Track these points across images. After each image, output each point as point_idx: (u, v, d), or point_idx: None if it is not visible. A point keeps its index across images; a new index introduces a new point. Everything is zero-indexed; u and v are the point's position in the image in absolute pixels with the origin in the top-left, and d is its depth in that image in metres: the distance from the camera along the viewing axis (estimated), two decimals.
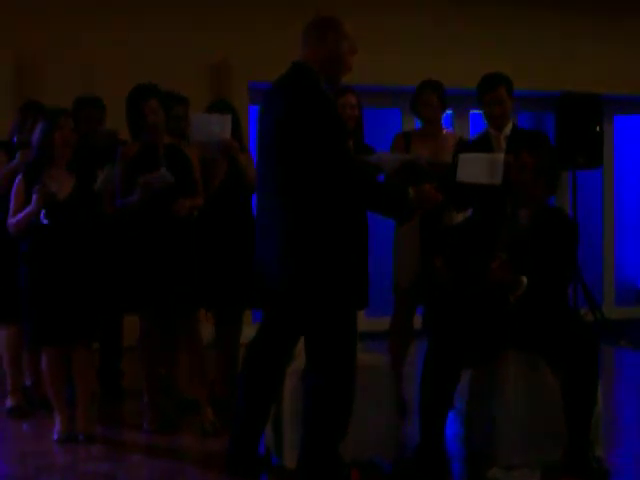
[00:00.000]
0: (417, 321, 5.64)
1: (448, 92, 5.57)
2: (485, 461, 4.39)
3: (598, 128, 8.22)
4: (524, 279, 4.28)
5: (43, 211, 4.75)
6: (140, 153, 5.04)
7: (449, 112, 8.63)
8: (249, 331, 4.56)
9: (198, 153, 5.21)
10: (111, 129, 5.79)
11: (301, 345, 4.10)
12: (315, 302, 3.93)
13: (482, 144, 5.12)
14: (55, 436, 4.93)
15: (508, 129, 5.12)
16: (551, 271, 4.37)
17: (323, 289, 3.91)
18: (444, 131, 5.66)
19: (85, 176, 4.98)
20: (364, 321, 6.38)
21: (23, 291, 4.94)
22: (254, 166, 4.75)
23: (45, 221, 4.76)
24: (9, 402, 5.53)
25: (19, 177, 4.95)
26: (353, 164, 3.95)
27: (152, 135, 5.04)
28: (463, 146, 5.27)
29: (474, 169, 4.77)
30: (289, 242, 3.90)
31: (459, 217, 5.32)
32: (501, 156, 4.78)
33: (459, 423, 5.03)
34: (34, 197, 4.76)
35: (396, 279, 5.59)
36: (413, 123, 5.78)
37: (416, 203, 3.96)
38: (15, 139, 5.58)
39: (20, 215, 4.84)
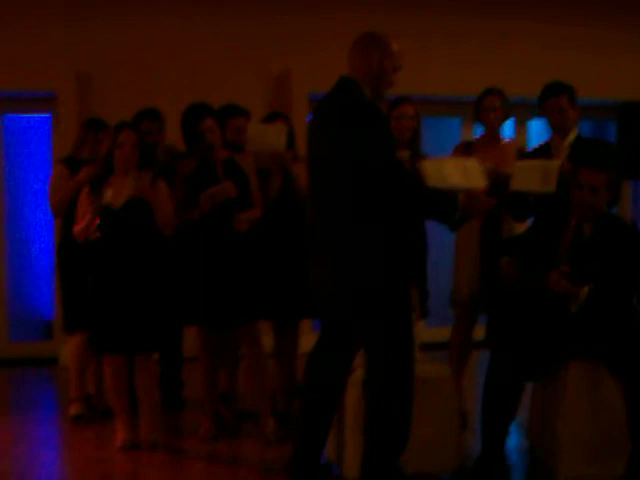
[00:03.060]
0: (478, 332, 5.60)
1: (511, 100, 5.55)
2: (547, 473, 4.35)
3: None
4: (585, 289, 4.25)
5: (97, 222, 4.84)
6: (197, 170, 5.09)
7: (510, 121, 8.59)
8: (309, 340, 4.57)
9: (254, 165, 5.25)
10: (172, 144, 5.85)
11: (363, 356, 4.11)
12: (372, 312, 3.94)
13: (543, 152, 5.10)
14: (118, 444, 4.99)
15: (571, 137, 5.08)
16: (616, 280, 4.33)
17: (379, 299, 3.92)
18: (505, 141, 5.64)
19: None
20: (425, 331, 6.37)
21: (88, 298, 5.02)
22: None
23: (96, 234, 4.84)
24: (72, 410, 5.60)
25: (85, 189, 5.04)
26: (402, 172, 3.96)
27: (209, 153, 5.10)
28: (524, 156, 5.24)
29: (527, 177, 4.75)
30: (345, 252, 3.93)
31: (519, 227, 5.28)
32: (555, 164, 4.75)
33: (521, 435, 5.00)
34: (90, 207, 4.86)
35: (456, 290, 5.56)
36: (472, 133, 5.76)
37: (467, 208, 3.96)
38: (77, 155, 5.68)
39: (82, 224, 4.93)
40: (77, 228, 4.97)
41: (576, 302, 4.29)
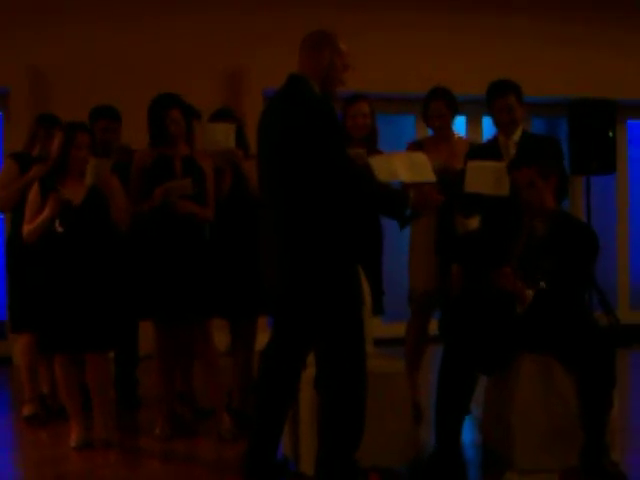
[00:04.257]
0: (433, 327, 5.64)
1: (461, 98, 5.58)
2: (501, 466, 4.40)
3: (611, 133, 8.22)
4: (530, 292, 4.30)
5: (57, 220, 4.79)
6: (156, 163, 5.08)
7: (462, 118, 8.66)
8: (264, 337, 4.58)
9: (212, 164, 5.24)
10: (125, 144, 5.83)
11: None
12: (320, 307, 3.95)
13: (491, 150, 5.13)
14: (72, 443, 4.96)
15: (517, 135, 5.11)
16: (568, 277, 4.37)
17: (327, 294, 3.93)
18: (455, 136, 5.68)
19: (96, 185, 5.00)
20: (381, 327, 6.40)
21: (37, 297, 4.97)
22: None
23: (59, 228, 4.80)
24: (26, 410, 5.56)
25: (34, 186, 4.98)
26: (352, 167, 3.98)
27: (172, 145, 5.08)
28: (472, 152, 5.27)
29: (481, 179, 4.77)
30: (292, 248, 3.93)
31: (472, 223, 5.33)
32: (505, 165, 4.78)
33: (475, 428, 5.04)
34: (48, 204, 4.80)
35: (411, 285, 5.60)
36: (427, 129, 5.82)
37: (417, 204, 3.99)
38: (29, 151, 5.63)
39: (35, 222, 4.87)
40: (28, 228, 4.91)
41: (523, 304, 4.34)
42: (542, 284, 4.30)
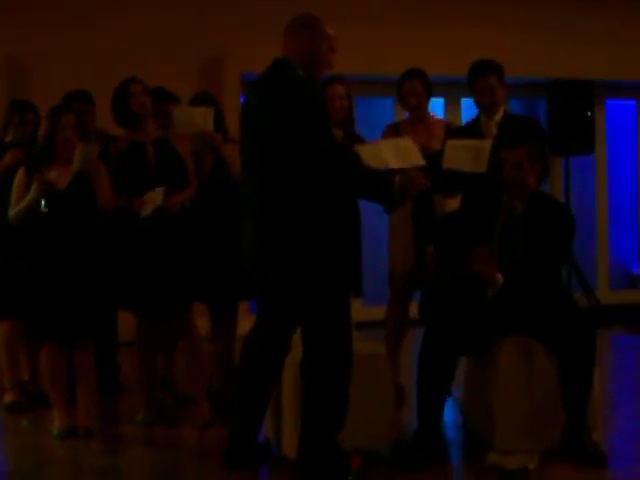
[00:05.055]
0: (413, 309, 5.65)
1: (439, 80, 5.58)
2: (483, 447, 4.41)
3: (590, 114, 8.24)
4: (500, 277, 4.30)
5: (43, 201, 4.77)
6: (129, 149, 5.06)
7: (441, 100, 8.65)
8: (245, 323, 4.57)
9: (188, 145, 5.22)
10: (100, 128, 5.79)
11: (300, 335, 4.12)
12: (306, 290, 3.96)
13: (472, 131, 5.11)
14: (54, 431, 4.94)
15: (499, 116, 5.10)
16: (546, 257, 4.39)
17: (313, 277, 3.93)
18: (432, 118, 5.68)
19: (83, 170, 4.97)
20: (361, 310, 6.41)
21: (23, 284, 4.95)
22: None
23: (44, 209, 4.77)
24: (7, 398, 5.53)
25: (21, 170, 4.97)
26: (337, 150, 3.97)
27: (139, 125, 5.07)
28: (453, 133, 5.26)
29: (459, 156, 4.77)
30: (277, 231, 3.94)
31: (451, 203, 5.32)
32: (487, 143, 4.77)
33: (456, 409, 5.06)
34: (33, 186, 4.78)
35: (391, 267, 5.60)
36: (404, 112, 5.83)
37: (402, 189, 3.97)
38: (2, 137, 5.59)
39: (21, 205, 4.85)
40: (13, 210, 4.89)
41: (493, 289, 4.34)
42: (502, 276, 4.29)
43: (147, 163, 5.03)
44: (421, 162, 4.10)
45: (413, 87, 5.48)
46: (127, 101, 5.06)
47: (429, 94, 5.57)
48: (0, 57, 7.29)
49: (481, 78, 5.05)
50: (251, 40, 7.52)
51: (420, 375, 4.40)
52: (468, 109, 8.42)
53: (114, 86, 5.14)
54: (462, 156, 4.76)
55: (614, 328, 7.80)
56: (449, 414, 4.91)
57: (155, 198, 4.91)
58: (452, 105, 8.82)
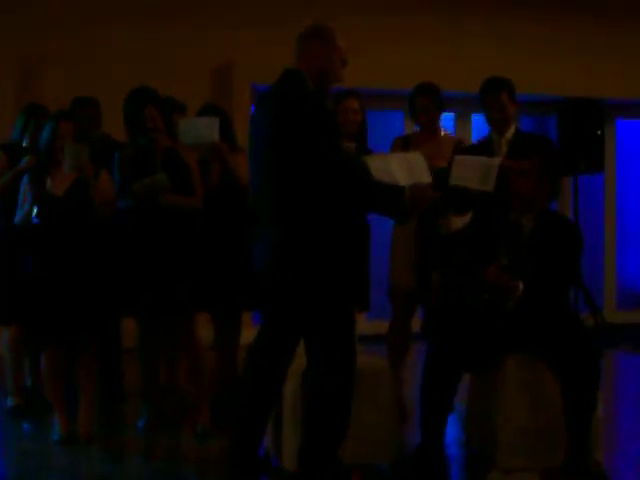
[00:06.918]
0: (416, 323, 5.63)
1: (451, 95, 5.57)
2: (485, 464, 4.39)
3: (600, 132, 8.23)
4: (520, 284, 4.28)
5: (35, 209, 4.78)
6: (136, 157, 5.05)
7: (451, 115, 8.65)
8: (249, 333, 4.56)
9: (196, 157, 5.22)
10: (104, 133, 5.80)
11: (303, 346, 4.11)
12: (312, 303, 3.94)
13: (483, 148, 5.10)
14: (55, 437, 4.93)
15: (510, 133, 5.09)
16: (553, 276, 4.37)
17: (320, 289, 3.92)
18: (442, 133, 5.67)
19: (81, 177, 4.97)
20: (365, 324, 6.39)
21: (26, 289, 4.95)
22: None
23: (35, 220, 4.78)
24: (9, 402, 5.53)
25: (25, 178, 4.98)
26: (348, 163, 3.96)
27: (150, 140, 5.06)
28: (463, 150, 5.25)
29: (466, 173, 4.74)
30: (286, 243, 3.93)
31: (456, 221, 5.31)
32: (495, 161, 4.74)
33: (459, 426, 5.04)
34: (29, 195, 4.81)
35: (391, 285, 5.58)
36: (415, 126, 5.83)
37: (412, 201, 3.96)
38: (17, 142, 5.60)
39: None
40: (18, 217, 4.92)
41: (513, 297, 4.32)
42: (522, 283, 4.28)
43: (155, 169, 5.01)
44: (428, 179, 4.09)
45: (424, 104, 5.48)
46: (143, 123, 5.04)
47: (441, 109, 5.56)
48: (12, 59, 7.31)
49: (492, 95, 5.06)
50: (262, 50, 7.53)
51: (423, 391, 4.38)
52: (479, 125, 8.45)
53: (124, 93, 5.14)
54: (470, 173, 4.74)
55: (620, 348, 7.79)
56: (452, 430, 4.89)
57: (157, 183, 4.91)
58: (463, 121, 8.82)
